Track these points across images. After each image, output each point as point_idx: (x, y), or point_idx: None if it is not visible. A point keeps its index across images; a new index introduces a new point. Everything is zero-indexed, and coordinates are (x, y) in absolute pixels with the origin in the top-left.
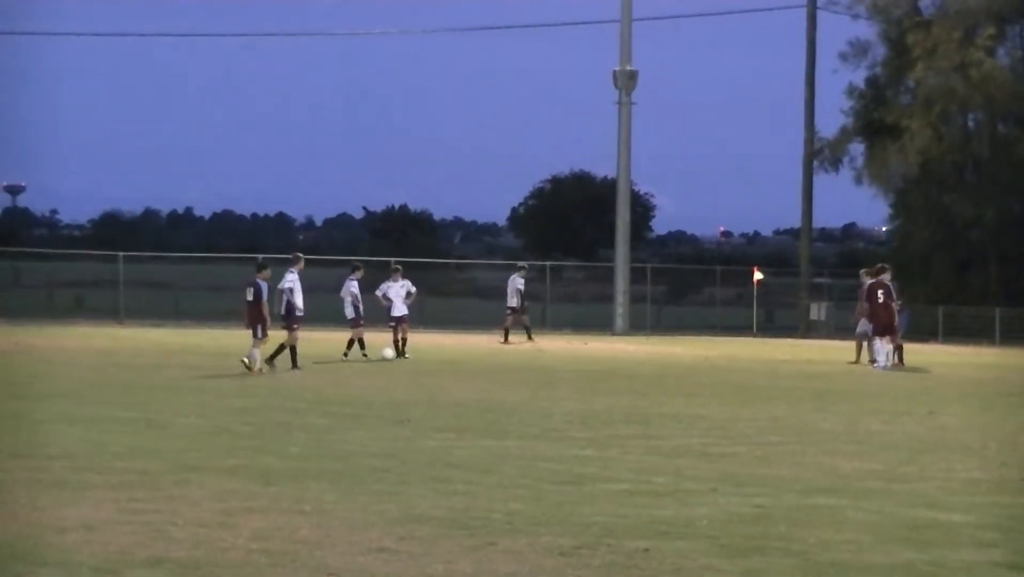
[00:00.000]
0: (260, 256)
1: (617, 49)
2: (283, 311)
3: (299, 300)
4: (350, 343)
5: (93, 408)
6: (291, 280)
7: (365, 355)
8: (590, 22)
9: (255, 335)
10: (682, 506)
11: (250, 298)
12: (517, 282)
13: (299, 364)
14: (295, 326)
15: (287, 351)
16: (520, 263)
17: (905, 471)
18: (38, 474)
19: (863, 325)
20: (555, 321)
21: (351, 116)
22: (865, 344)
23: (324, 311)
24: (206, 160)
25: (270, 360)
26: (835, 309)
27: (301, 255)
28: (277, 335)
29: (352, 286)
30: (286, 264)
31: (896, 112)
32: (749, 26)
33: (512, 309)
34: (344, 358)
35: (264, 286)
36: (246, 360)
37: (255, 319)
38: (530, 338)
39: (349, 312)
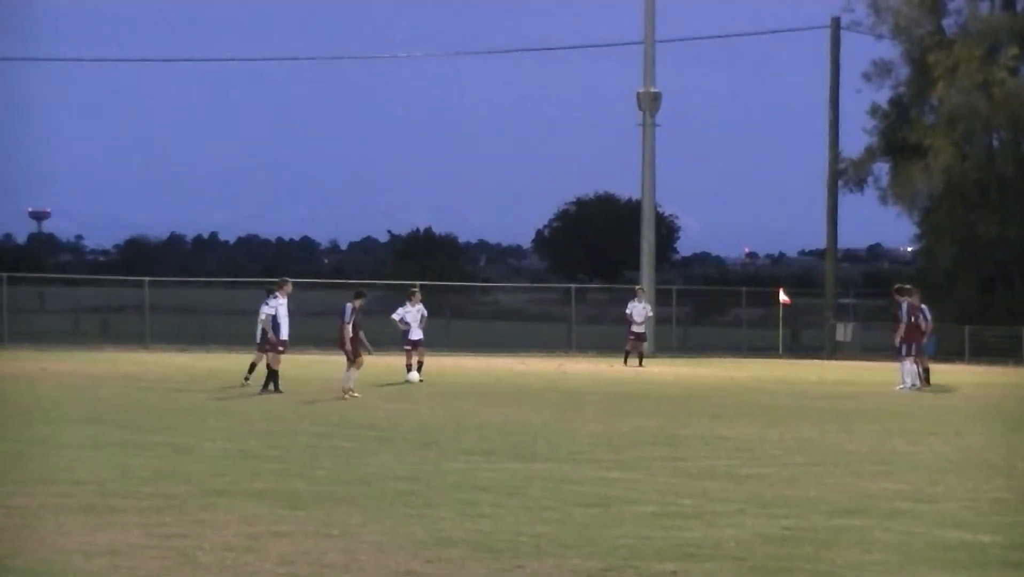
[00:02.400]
0: (378, 283)
1: (641, 71)
2: (270, 335)
3: (284, 325)
4: (252, 368)
5: (119, 433)
6: (275, 305)
7: (246, 380)
8: (614, 44)
9: (348, 358)
10: (709, 528)
11: (344, 320)
12: (648, 309)
13: (281, 388)
14: (280, 349)
15: (267, 372)
16: (637, 287)
17: (932, 491)
18: (65, 499)
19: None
20: (580, 343)
21: (376, 140)
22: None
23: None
24: (231, 185)
25: (275, 385)
26: (861, 329)
27: (289, 280)
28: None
29: (268, 308)
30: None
31: (920, 131)
32: (773, 47)
33: (636, 335)
34: (245, 382)
35: (347, 309)
36: (347, 389)
37: (343, 343)
38: (640, 363)
39: (260, 334)
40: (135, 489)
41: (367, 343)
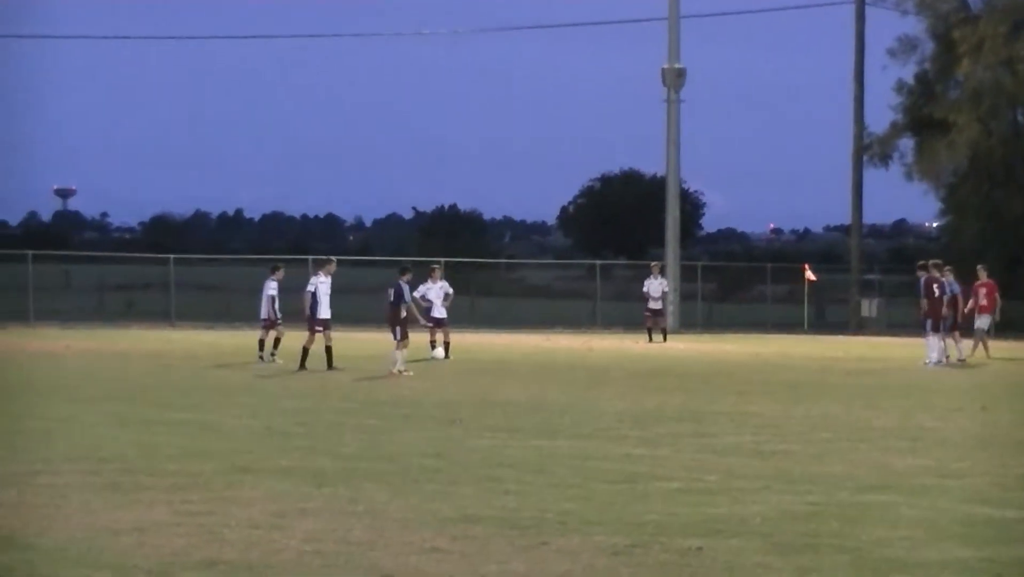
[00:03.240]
0: (405, 260)
1: (665, 47)
2: (307, 313)
3: (324, 304)
4: (261, 344)
5: (145, 410)
6: (315, 283)
7: (265, 357)
8: (638, 20)
9: (395, 337)
10: (735, 504)
11: (391, 300)
12: (664, 284)
13: (307, 366)
14: (317, 329)
15: (327, 353)
16: (652, 263)
17: (958, 467)
18: (91, 477)
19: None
20: (605, 320)
21: (400, 117)
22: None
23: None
24: (256, 162)
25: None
26: (886, 305)
27: (334, 258)
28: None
29: (270, 287)
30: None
31: (945, 107)
32: (798, 22)
33: (653, 311)
34: (260, 360)
35: (406, 288)
36: (395, 368)
37: (394, 321)
38: (664, 339)
39: (263, 312)
40: (161, 466)
41: (420, 315)
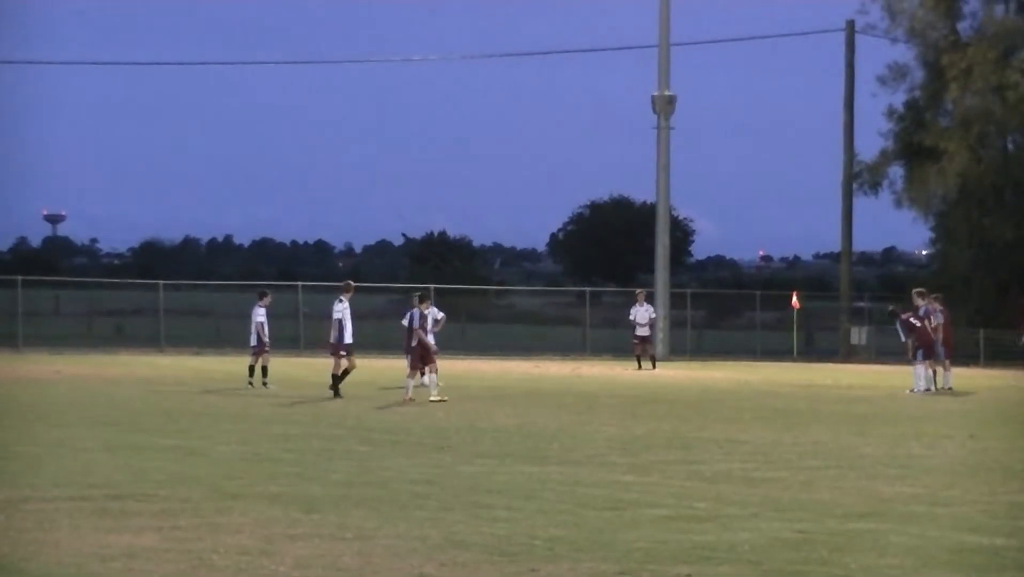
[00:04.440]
0: (422, 287)
1: (656, 73)
2: (333, 339)
3: (348, 328)
4: (251, 370)
5: (134, 436)
6: (341, 309)
7: (255, 383)
8: (629, 47)
9: (411, 365)
10: (724, 531)
11: (405, 324)
12: (651, 311)
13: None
14: (342, 353)
15: (342, 375)
16: (638, 290)
17: (947, 495)
18: (80, 502)
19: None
20: (595, 347)
21: (389, 143)
22: None
23: (366, 338)
24: (246, 188)
25: (335, 390)
26: (876, 333)
27: (352, 283)
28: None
29: (259, 313)
30: (334, 292)
31: (935, 134)
32: (788, 50)
33: (641, 338)
34: (250, 386)
35: (416, 315)
36: (433, 394)
37: (409, 348)
38: (653, 366)
39: (253, 339)
40: (150, 492)
41: (432, 344)
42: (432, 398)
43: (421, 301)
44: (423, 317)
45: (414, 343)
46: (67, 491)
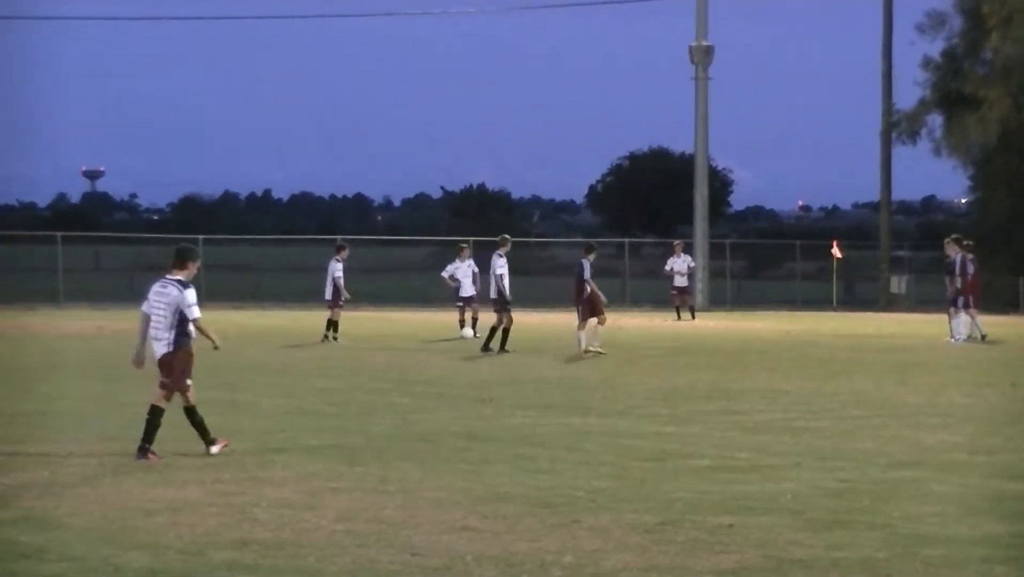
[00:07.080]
0: (591, 240)
1: (693, 24)
2: (494, 295)
3: (506, 284)
4: (329, 324)
5: None
6: (502, 264)
7: (334, 338)
8: None
9: (581, 317)
10: (766, 481)
11: (577, 276)
12: (689, 261)
13: (507, 348)
14: (506, 308)
15: (502, 333)
16: (675, 242)
17: (988, 443)
18: (124, 457)
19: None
20: (635, 297)
21: (428, 96)
22: None
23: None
24: (284, 142)
25: (486, 346)
26: (915, 282)
27: (508, 237)
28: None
29: (336, 268)
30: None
31: (974, 83)
32: None
33: (679, 289)
34: (324, 340)
35: (587, 266)
36: (585, 350)
37: (578, 300)
38: (693, 317)
39: (328, 291)
40: (194, 446)
41: (601, 295)
42: (593, 348)
43: (588, 251)
44: (586, 267)
45: (586, 294)
46: (111, 445)
